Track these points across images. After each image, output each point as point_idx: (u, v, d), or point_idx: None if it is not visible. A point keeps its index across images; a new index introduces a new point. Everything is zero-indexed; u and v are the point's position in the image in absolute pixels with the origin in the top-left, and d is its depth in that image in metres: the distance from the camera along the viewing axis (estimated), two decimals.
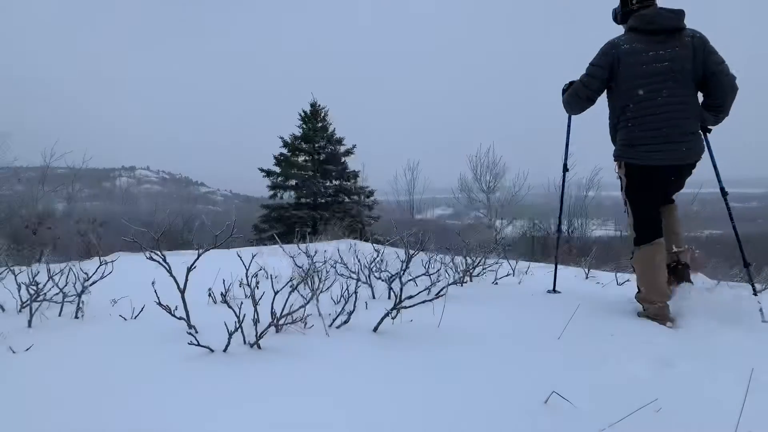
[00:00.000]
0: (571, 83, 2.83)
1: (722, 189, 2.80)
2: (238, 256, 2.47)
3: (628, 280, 3.71)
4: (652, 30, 2.49)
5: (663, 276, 2.55)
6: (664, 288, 2.53)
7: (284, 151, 19.66)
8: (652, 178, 2.59)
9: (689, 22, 2.53)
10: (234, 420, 1.38)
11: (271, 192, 19.46)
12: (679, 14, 2.50)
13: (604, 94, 2.74)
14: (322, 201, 19.13)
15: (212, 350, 1.86)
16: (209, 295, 2.85)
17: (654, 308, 2.50)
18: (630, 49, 2.52)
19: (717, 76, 2.44)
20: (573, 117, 3.08)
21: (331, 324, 2.23)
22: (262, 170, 19.54)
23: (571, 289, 3.31)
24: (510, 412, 1.45)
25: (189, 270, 2.22)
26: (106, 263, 2.76)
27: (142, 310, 2.51)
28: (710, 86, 2.48)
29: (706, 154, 2.64)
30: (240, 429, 1.34)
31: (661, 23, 2.48)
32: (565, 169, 3.27)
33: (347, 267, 3.15)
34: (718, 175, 2.79)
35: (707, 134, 2.67)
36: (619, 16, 2.71)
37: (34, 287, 2.47)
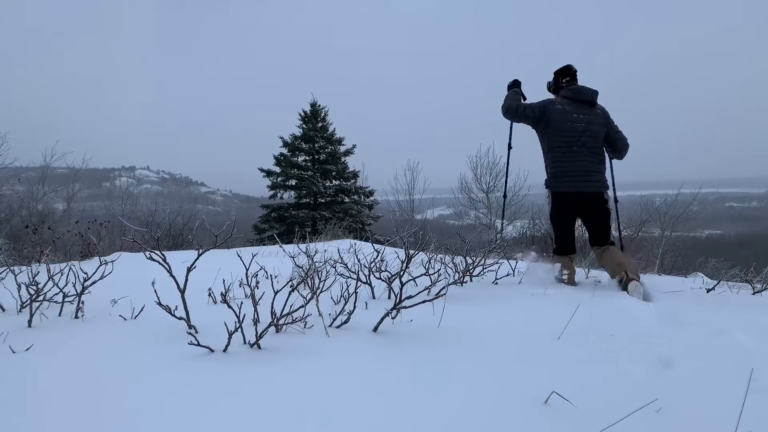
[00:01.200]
0: (515, 81, 3.92)
1: (614, 193, 3.86)
2: (238, 256, 2.47)
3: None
4: (579, 99, 3.58)
5: (572, 269, 3.60)
6: (571, 266, 3.63)
7: (284, 151, 19.67)
8: (567, 203, 3.58)
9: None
10: (234, 420, 1.38)
11: (271, 192, 19.47)
12: (595, 92, 3.61)
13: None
14: (322, 201, 19.14)
15: (212, 350, 1.86)
16: (209, 295, 2.85)
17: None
18: (561, 108, 3.57)
19: (614, 137, 3.68)
20: (511, 156, 4.19)
21: (331, 324, 2.23)
22: (262, 170, 19.56)
23: (571, 289, 3.31)
24: (510, 412, 1.45)
25: (189, 270, 2.22)
26: (106, 263, 2.76)
27: (142, 310, 2.51)
28: (610, 144, 3.71)
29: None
30: (240, 429, 1.34)
31: (584, 96, 3.59)
32: (505, 196, 4.18)
33: (347, 267, 3.15)
34: (613, 181, 3.86)
35: (612, 162, 3.91)
36: (552, 88, 3.80)
37: (34, 287, 2.47)
